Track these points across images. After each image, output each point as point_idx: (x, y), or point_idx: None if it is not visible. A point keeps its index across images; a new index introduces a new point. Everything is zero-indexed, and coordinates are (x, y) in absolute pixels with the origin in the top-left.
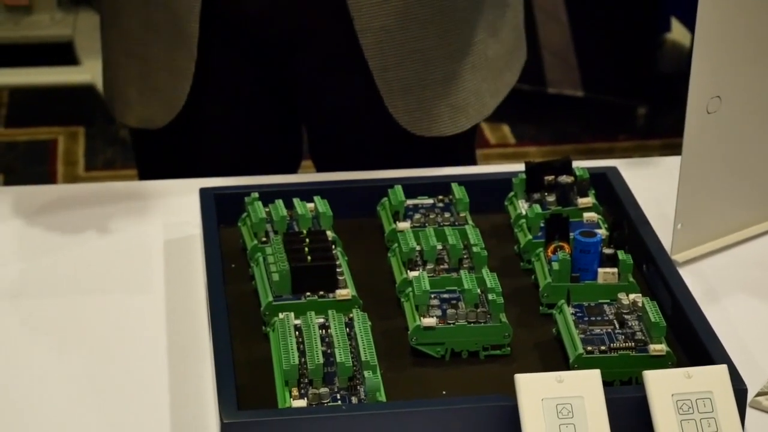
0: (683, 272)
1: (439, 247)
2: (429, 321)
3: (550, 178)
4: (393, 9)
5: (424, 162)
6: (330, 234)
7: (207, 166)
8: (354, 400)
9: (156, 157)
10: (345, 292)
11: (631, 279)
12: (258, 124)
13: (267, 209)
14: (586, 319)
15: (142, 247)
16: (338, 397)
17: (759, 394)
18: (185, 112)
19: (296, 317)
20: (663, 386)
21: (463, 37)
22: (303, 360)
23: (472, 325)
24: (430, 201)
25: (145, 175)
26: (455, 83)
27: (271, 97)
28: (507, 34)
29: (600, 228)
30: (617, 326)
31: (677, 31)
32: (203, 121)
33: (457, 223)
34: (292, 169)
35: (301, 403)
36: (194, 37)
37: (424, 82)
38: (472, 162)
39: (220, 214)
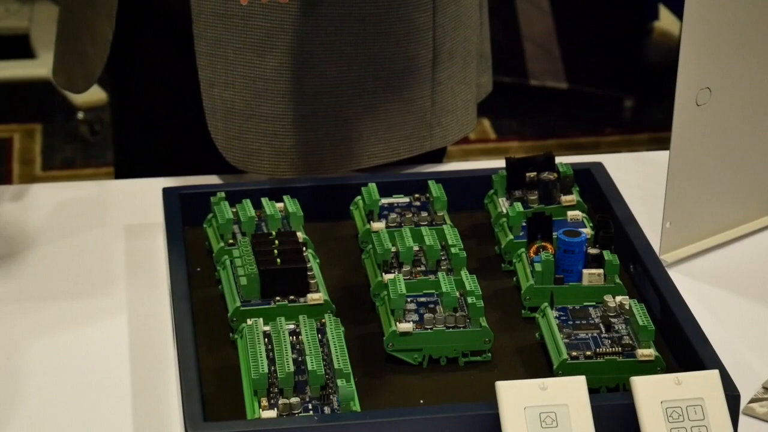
0: (672, 273)
1: (416, 248)
2: (405, 326)
3: (532, 174)
4: (232, 24)
5: None
6: (301, 235)
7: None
8: (327, 410)
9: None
10: (317, 297)
11: (618, 280)
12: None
13: (234, 209)
14: (570, 322)
15: (102, 251)
16: (310, 407)
17: (752, 401)
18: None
19: (265, 323)
20: (652, 393)
21: (305, 79)
22: (273, 368)
23: (450, 330)
24: (406, 200)
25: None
26: (282, 125)
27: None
28: (385, 97)
29: (585, 227)
30: (603, 330)
31: (665, 19)
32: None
33: (434, 223)
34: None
35: (271, 413)
36: (113, 6)
37: (250, 112)
38: None
39: (185, 214)
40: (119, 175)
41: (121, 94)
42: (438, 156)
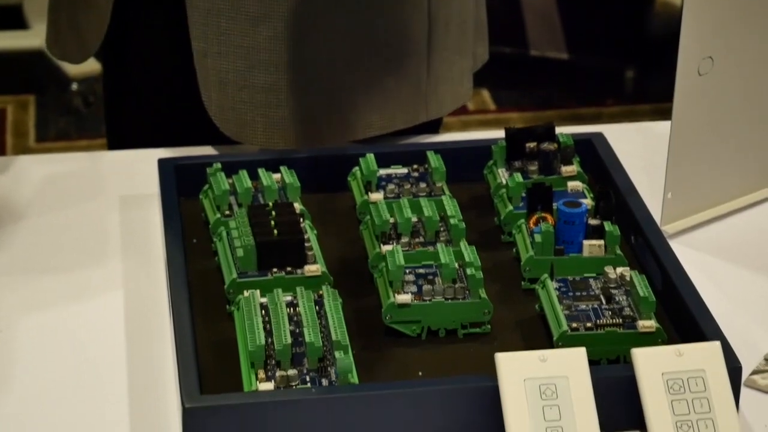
0: (674, 244)
1: (414, 219)
2: (404, 298)
3: (532, 145)
4: None
5: None
6: (298, 206)
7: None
8: (324, 382)
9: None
10: (314, 268)
11: (619, 251)
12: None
13: (230, 180)
14: (570, 294)
15: (97, 222)
16: (307, 379)
17: (754, 373)
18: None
19: (262, 295)
20: (652, 365)
21: (299, 49)
22: (270, 340)
23: (449, 301)
24: (405, 170)
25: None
26: (276, 96)
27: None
28: (380, 67)
29: (585, 198)
30: (604, 302)
31: None
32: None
33: (433, 194)
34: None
35: (268, 386)
36: None
37: (243, 83)
38: None
39: (181, 186)
40: (112, 147)
41: (113, 66)
42: (434, 127)
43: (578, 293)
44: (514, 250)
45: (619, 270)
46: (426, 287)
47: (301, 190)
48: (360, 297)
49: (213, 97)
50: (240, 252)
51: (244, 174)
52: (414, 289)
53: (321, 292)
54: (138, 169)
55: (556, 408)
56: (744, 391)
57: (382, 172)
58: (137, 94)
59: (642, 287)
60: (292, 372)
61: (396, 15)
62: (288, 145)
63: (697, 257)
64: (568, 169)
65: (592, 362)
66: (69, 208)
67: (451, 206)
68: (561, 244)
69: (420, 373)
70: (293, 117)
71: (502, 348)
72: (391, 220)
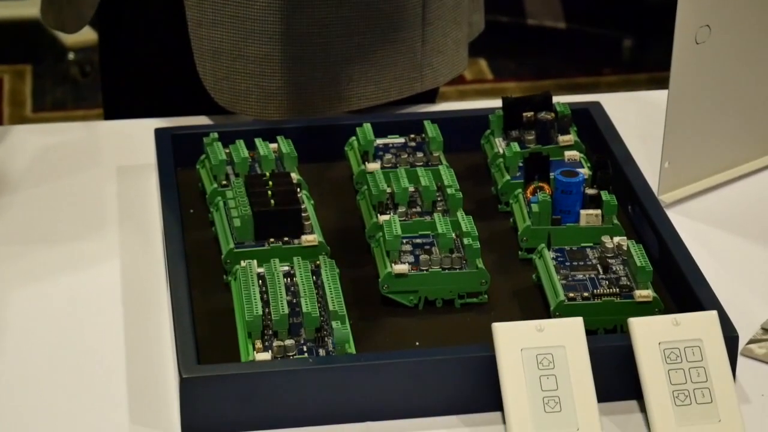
0: (671, 213)
1: (412, 189)
2: (401, 268)
3: (530, 114)
4: None
5: None
6: (295, 176)
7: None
8: (322, 352)
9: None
10: (311, 238)
11: (616, 221)
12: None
13: (227, 150)
14: (567, 264)
15: (94, 192)
16: (305, 349)
17: (751, 342)
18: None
19: (259, 265)
20: (649, 334)
21: (294, 20)
22: (267, 310)
23: (446, 271)
24: (402, 140)
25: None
26: (270, 66)
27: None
28: (375, 38)
29: (582, 167)
30: (601, 271)
31: None
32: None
33: (430, 164)
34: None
35: (266, 356)
36: None
37: (237, 53)
38: None
39: (177, 155)
40: (108, 117)
41: (109, 36)
42: (430, 97)
43: (575, 263)
44: (511, 219)
45: (616, 239)
46: (423, 257)
47: (298, 159)
48: (357, 267)
49: (207, 67)
50: (237, 222)
51: (241, 144)
52: (411, 259)
53: (318, 262)
54: (135, 139)
55: (553, 378)
56: (741, 360)
57: (379, 141)
58: (133, 64)
59: (639, 257)
60: (289, 342)
61: None
62: (282, 116)
63: (694, 226)
64: (565, 139)
65: (589, 332)
66: (65, 177)
67: (448, 176)
68: (558, 213)
69: (417, 343)
70: (287, 87)
71: (499, 318)
72: (388, 190)
